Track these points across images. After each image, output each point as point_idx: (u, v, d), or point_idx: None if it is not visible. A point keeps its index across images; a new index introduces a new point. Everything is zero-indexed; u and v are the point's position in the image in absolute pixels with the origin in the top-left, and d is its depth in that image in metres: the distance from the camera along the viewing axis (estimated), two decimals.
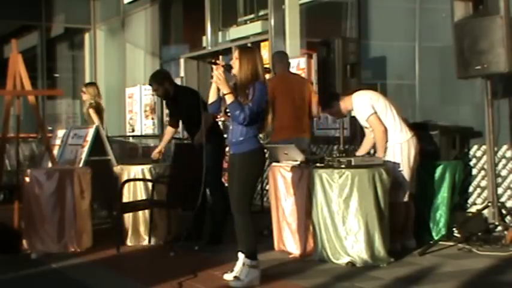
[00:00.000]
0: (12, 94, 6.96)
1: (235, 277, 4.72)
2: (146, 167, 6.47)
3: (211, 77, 4.82)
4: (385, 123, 5.75)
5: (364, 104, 5.79)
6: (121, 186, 6.20)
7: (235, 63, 4.80)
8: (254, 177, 4.86)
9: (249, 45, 9.84)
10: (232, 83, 4.85)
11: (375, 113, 5.74)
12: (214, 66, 4.90)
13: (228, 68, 4.86)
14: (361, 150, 6.03)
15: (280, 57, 7.21)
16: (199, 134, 6.20)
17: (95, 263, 5.74)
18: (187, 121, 6.65)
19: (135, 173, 6.46)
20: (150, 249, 5.96)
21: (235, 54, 4.85)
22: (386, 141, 5.73)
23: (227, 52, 10.55)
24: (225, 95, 4.74)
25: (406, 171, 5.75)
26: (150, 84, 6.73)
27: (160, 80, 6.56)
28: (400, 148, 5.74)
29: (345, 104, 5.99)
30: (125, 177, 6.45)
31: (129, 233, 6.47)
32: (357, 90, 6.03)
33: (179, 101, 6.60)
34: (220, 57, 10.51)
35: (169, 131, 6.95)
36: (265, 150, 5.28)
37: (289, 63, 7.38)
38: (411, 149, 5.77)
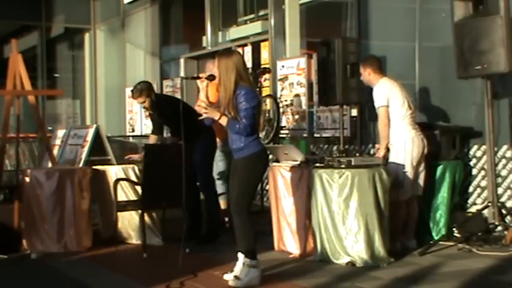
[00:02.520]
0: (12, 94, 6.95)
1: (235, 276, 4.72)
2: (126, 167, 6.45)
3: (198, 91, 4.82)
4: (395, 118, 5.80)
5: (381, 94, 5.84)
6: (114, 185, 6.20)
7: (216, 72, 4.78)
8: (255, 179, 4.86)
9: (249, 44, 9.88)
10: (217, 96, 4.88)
11: (387, 106, 5.79)
12: (198, 81, 4.93)
13: (211, 79, 4.85)
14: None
15: None
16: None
17: (95, 263, 5.74)
18: (177, 128, 6.52)
19: (115, 173, 6.44)
20: (151, 249, 5.95)
21: (215, 62, 4.82)
22: (387, 135, 5.79)
23: None
24: (217, 120, 4.75)
25: (407, 170, 5.76)
26: (136, 97, 6.60)
27: (148, 92, 6.53)
28: (404, 145, 5.76)
29: (370, 78, 6.00)
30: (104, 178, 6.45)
31: (131, 233, 6.48)
32: (384, 75, 6.01)
33: (164, 110, 6.58)
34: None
35: (152, 139, 6.89)
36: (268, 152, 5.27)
37: None
38: (414, 147, 5.78)
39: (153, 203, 5.97)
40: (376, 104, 5.86)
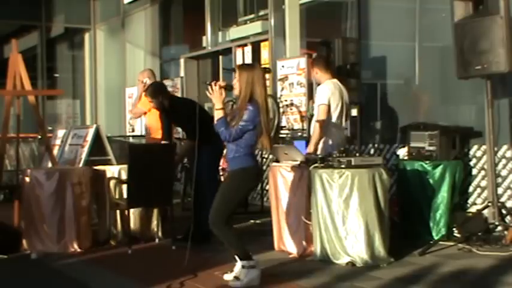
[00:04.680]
0: (12, 94, 6.96)
1: (235, 277, 4.72)
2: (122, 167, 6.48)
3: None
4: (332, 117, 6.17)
5: (324, 94, 6.20)
6: (107, 184, 6.25)
7: (236, 84, 4.81)
8: (237, 193, 4.83)
9: (249, 44, 9.88)
10: (231, 104, 4.89)
11: (328, 105, 6.15)
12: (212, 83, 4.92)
13: (229, 88, 4.87)
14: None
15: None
16: (181, 153, 6.64)
17: (95, 263, 5.74)
18: (191, 130, 6.53)
19: (111, 173, 6.47)
20: (151, 249, 5.96)
21: (236, 74, 4.86)
22: (320, 132, 6.12)
23: (227, 52, 10.55)
24: (216, 109, 4.75)
25: None
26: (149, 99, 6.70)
27: (154, 94, 6.53)
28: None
29: (318, 77, 6.41)
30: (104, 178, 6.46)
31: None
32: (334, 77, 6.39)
33: (179, 112, 6.56)
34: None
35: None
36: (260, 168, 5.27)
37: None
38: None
39: (138, 201, 6.02)
40: (318, 102, 6.21)
